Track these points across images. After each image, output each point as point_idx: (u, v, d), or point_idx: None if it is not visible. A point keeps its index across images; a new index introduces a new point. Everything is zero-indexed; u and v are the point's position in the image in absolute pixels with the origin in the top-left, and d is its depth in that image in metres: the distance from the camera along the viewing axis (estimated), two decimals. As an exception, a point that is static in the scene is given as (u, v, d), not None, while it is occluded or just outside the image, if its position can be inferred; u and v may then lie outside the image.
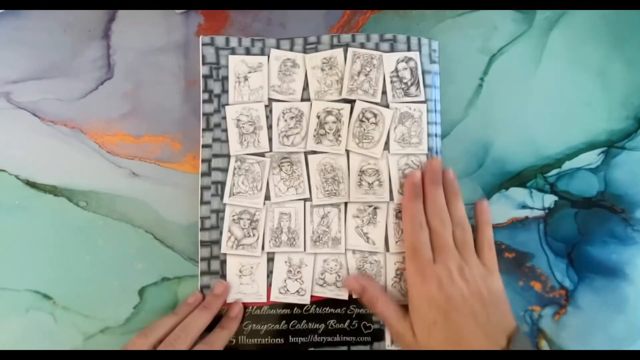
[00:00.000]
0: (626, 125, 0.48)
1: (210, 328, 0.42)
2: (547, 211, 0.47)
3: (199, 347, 0.39)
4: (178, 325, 0.40)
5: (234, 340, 0.43)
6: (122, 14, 0.46)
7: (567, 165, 0.47)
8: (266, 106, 0.45)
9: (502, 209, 0.47)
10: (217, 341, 0.41)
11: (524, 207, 0.47)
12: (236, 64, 0.45)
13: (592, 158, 0.47)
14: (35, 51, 0.46)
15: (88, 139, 0.45)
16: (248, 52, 0.45)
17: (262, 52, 0.45)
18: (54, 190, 0.45)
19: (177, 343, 0.38)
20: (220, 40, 0.45)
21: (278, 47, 0.45)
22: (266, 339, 0.43)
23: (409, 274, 0.41)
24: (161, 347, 0.38)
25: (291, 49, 0.45)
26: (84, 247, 0.44)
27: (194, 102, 0.46)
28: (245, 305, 0.43)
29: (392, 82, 0.45)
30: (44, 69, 0.46)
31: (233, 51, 0.45)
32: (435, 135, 0.45)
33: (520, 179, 0.47)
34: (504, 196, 0.47)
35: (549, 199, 0.47)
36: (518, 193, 0.47)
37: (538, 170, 0.47)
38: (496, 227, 0.46)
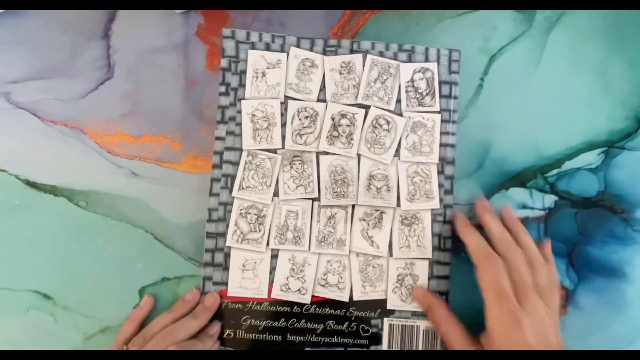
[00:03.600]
0: (626, 125, 0.48)
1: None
2: (547, 211, 0.47)
3: (160, 337, 0.40)
4: (171, 323, 0.41)
5: (232, 334, 0.43)
6: (122, 14, 0.46)
7: (567, 165, 0.47)
8: (282, 103, 0.45)
9: (502, 209, 0.47)
10: (183, 330, 0.41)
11: (524, 207, 0.47)
12: (255, 59, 0.45)
13: (592, 158, 0.47)
14: (35, 51, 0.46)
15: (88, 139, 0.45)
16: (268, 47, 0.45)
17: (282, 49, 0.45)
18: (54, 190, 0.45)
19: (159, 347, 0.39)
20: (241, 34, 0.45)
21: (298, 45, 0.45)
22: (264, 335, 0.43)
23: (495, 321, 0.38)
24: (146, 348, 0.40)
25: (311, 49, 0.45)
26: (84, 247, 0.44)
27: (193, 102, 0.46)
28: (246, 300, 0.43)
29: (407, 91, 0.45)
30: (44, 69, 0.46)
31: (253, 46, 0.45)
32: (450, 146, 0.45)
33: (520, 179, 0.47)
34: (504, 196, 0.47)
35: (549, 199, 0.47)
36: (518, 193, 0.47)
37: (538, 171, 0.47)
38: (496, 227, 0.46)
